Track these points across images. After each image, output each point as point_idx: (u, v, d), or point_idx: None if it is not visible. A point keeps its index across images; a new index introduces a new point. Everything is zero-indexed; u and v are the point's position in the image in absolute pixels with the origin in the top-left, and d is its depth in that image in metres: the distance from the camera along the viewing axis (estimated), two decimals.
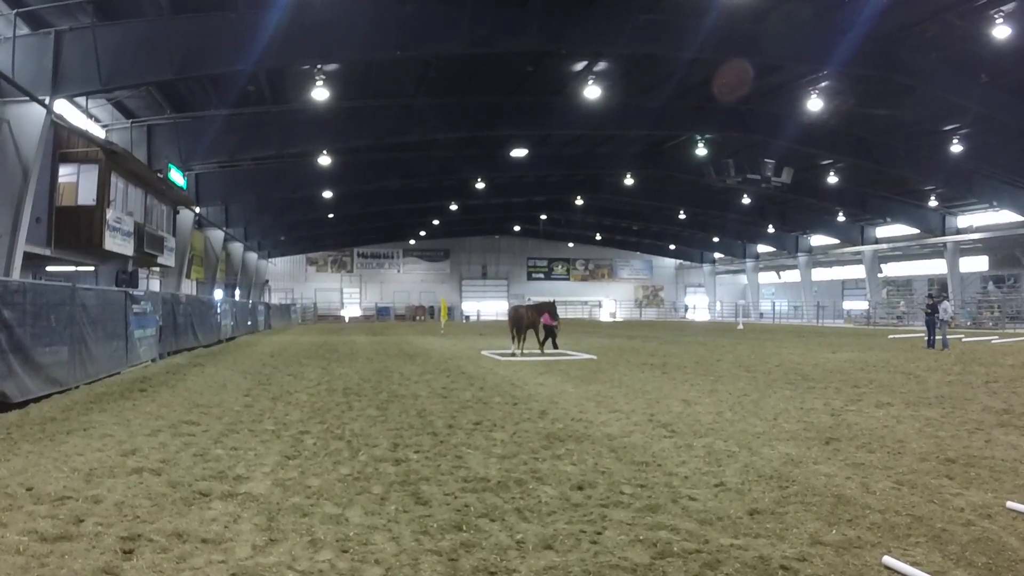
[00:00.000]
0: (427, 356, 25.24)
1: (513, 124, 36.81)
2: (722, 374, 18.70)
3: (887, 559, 5.13)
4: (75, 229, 25.59)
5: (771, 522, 6.05)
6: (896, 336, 39.49)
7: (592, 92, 30.14)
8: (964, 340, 33.31)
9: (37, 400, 12.53)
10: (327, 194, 49.43)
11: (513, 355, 24.91)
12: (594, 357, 24.38)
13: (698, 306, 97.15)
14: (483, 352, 27.00)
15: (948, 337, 28.85)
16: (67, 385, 14.17)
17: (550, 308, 27.04)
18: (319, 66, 25.91)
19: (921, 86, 30.27)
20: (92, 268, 30.53)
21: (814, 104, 32.87)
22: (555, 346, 27.19)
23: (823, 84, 32.59)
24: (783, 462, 8.30)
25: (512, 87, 32.83)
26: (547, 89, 33.30)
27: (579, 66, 30.78)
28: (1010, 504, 6.44)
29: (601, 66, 30.66)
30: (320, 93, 26.69)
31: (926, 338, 29.56)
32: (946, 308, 29.28)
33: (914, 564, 5.01)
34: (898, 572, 4.95)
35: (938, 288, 53.13)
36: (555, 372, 19.33)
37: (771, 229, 72.00)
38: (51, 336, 13.93)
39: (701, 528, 5.89)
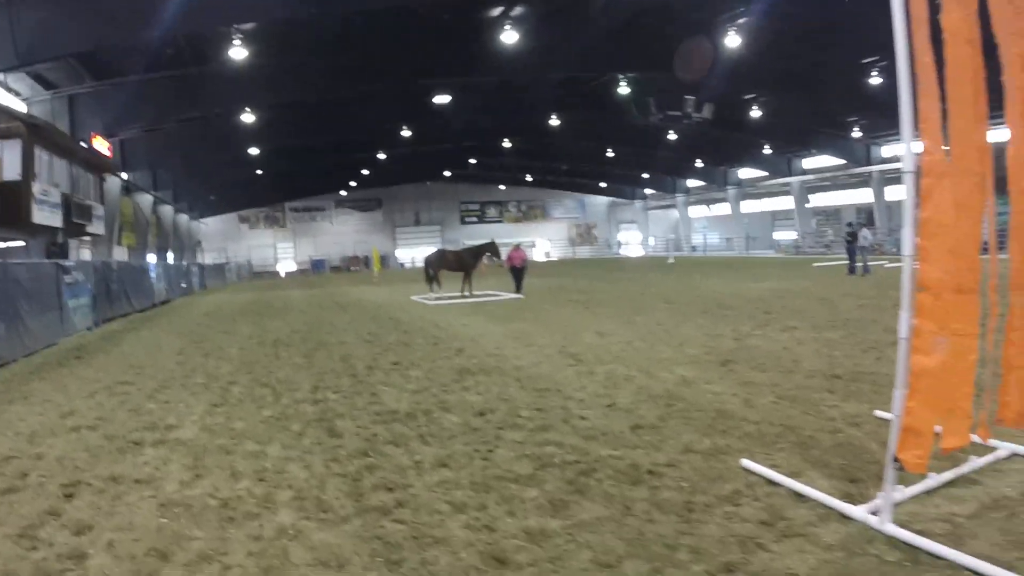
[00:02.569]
0: (358, 305, 25.67)
1: (435, 73, 36.95)
2: (642, 307, 19.42)
3: (744, 462, 5.84)
4: (2, 205, 25.37)
5: (650, 435, 6.75)
6: (821, 264, 40.42)
7: (509, 37, 30.46)
8: (887, 266, 34.41)
9: None
10: (254, 151, 49.02)
11: (439, 299, 25.48)
12: (522, 296, 25.08)
13: (631, 242, 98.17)
14: (412, 298, 27.52)
15: (870, 264, 29.90)
16: (5, 359, 14.30)
17: (492, 248, 27.47)
18: (235, 26, 25.87)
19: (838, 22, 30.85)
20: (23, 243, 30.21)
21: (732, 40, 33.39)
22: (518, 288, 26.95)
23: (741, 21, 33.09)
24: (676, 383, 9.03)
25: (432, 36, 32.94)
26: (467, 36, 33.45)
27: (496, 12, 31.00)
28: (877, 412, 7.06)
29: (517, 11, 30.91)
30: (238, 52, 26.75)
31: (848, 265, 30.70)
32: (865, 235, 30.30)
33: (772, 466, 5.68)
34: (755, 473, 5.64)
35: (864, 216, 54.40)
36: (480, 313, 19.95)
37: (700, 164, 72.80)
38: None
39: (585, 443, 6.58)
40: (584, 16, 31.72)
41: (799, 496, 5.07)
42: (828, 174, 63.26)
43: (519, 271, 27.10)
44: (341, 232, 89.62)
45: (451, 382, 9.82)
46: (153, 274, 33.89)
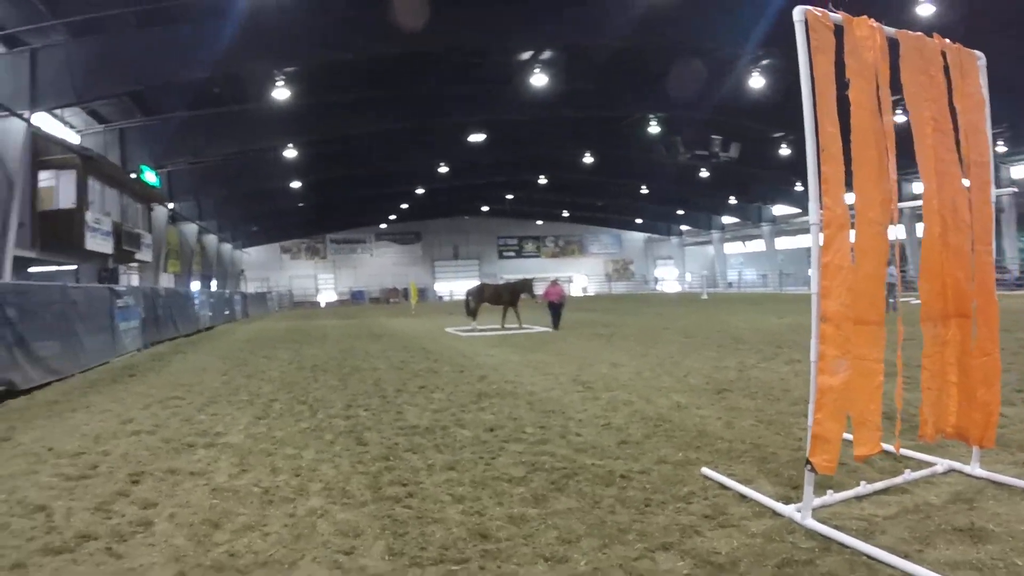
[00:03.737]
0: (393, 335, 26.89)
1: (465, 112, 38.57)
2: (660, 340, 20.41)
3: (705, 470, 6.82)
4: (57, 231, 26.98)
5: (632, 449, 7.75)
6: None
7: (539, 80, 31.75)
8: (913, 303, 34.71)
9: (39, 387, 13.99)
10: (295, 184, 50.88)
11: (472, 331, 26.53)
12: (550, 330, 26.09)
13: (668, 278, 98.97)
14: (447, 329, 28.73)
15: (900, 300, 30.26)
16: (63, 374, 15.59)
17: (525, 287, 28.32)
18: (277, 70, 27.47)
19: None
20: (74, 267, 31.83)
21: (756, 82, 34.45)
22: (556, 325, 26.91)
23: (764, 62, 34.14)
24: (670, 408, 10.03)
25: (462, 78, 34.32)
26: (496, 78, 34.79)
27: (525, 56, 32.33)
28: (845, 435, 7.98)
29: (546, 55, 32.19)
30: (281, 93, 28.38)
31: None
32: (891, 272, 30.81)
33: (729, 475, 6.63)
34: (712, 479, 6.60)
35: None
36: (507, 345, 21.04)
37: (733, 200, 73.71)
38: (47, 331, 15.35)
39: (575, 454, 7.60)
40: (608, 59, 32.88)
41: (743, 497, 6.03)
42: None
43: (557, 307, 27.21)
44: (380, 264, 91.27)
45: (469, 403, 10.90)
46: (197, 301, 35.33)
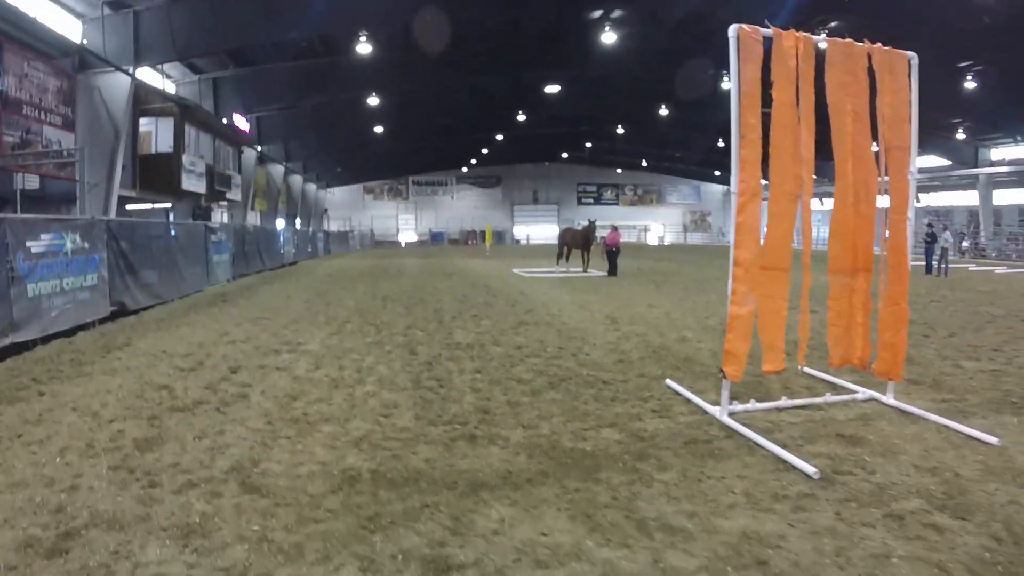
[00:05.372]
0: (463, 274, 29.04)
1: (543, 66, 39.99)
2: (705, 290, 21.81)
3: (668, 381, 8.73)
4: (156, 174, 29.50)
5: (625, 367, 9.69)
6: (914, 263, 41.16)
7: (608, 37, 33.16)
8: (971, 269, 35.28)
9: (146, 309, 16.38)
10: (379, 128, 52.72)
11: (554, 270, 28.72)
12: (612, 276, 27.53)
13: None
14: (514, 270, 30.73)
15: (951, 266, 30.79)
16: (165, 299, 18.04)
17: (591, 230, 30.01)
18: (367, 31, 29.51)
19: (922, 29, 32.24)
20: (168, 205, 34.34)
21: (820, 41, 35.13)
22: (613, 271, 27.82)
23: (832, 24, 34.72)
24: (675, 340, 11.90)
25: (539, 35, 35.79)
26: (571, 35, 36.11)
27: (596, 14, 33.76)
28: (801, 367, 9.06)
29: (616, 13, 33.50)
30: (363, 48, 30.46)
31: (924, 265, 31.83)
32: (947, 238, 31.23)
33: (688, 387, 8.43)
34: (672, 388, 8.48)
35: (959, 218, 54.51)
36: (565, 286, 22.94)
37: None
38: (152, 261, 17.67)
39: (578, 367, 9.60)
40: (671, 20, 33.91)
41: (688, 401, 7.93)
42: (939, 174, 63.10)
43: (613, 253, 28.22)
44: (461, 207, 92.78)
45: (509, 329, 13.01)
46: (282, 238, 37.80)
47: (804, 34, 7.25)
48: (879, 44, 7.77)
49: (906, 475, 5.65)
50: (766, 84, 7.08)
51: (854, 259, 7.81)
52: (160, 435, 6.54)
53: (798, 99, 7.17)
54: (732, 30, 6.96)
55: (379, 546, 4.34)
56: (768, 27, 7.13)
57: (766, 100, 7.07)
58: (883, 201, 7.94)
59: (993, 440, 6.45)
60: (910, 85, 7.96)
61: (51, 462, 5.81)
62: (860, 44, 7.69)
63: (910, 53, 7.96)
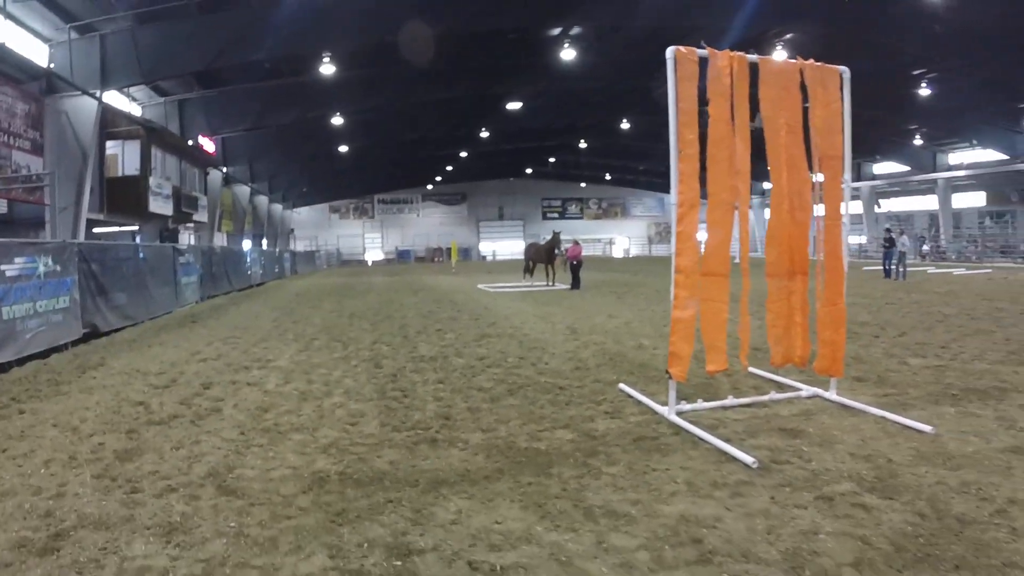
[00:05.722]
0: (429, 290, 29.49)
1: (505, 83, 40.72)
2: (665, 299, 22.13)
3: (621, 385, 9.19)
4: (124, 196, 29.77)
5: (581, 373, 10.14)
6: (872, 268, 41.95)
7: (568, 54, 33.82)
8: (930, 271, 36.11)
9: (117, 330, 16.66)
10: (343, 148, 53.14)
11: (519, 285, 29.11)
12: (574, 288, 27.96)
13: None
14: (479, 286, 31.17)
15: (909, 269, 31.62)
16: (136, 320, 18.30)
17: (555, 243, 30.04)
18: (329, 52, 30.02)
19: (877, 39, 33.04)
20: (135, 228, 34.48)
21: (779, 55, 35.95)
22: (576, 284, 28.09)
23: (787, 36, 35.48)
24: (631, 348, 12.37)
25: (500, 52, 36.39)
26: (531, 51, 36.72)
27: (555, 31, 34.39)
28: (751, 368, 9.75)
29: (576, 30, 34.15)
30: (327, 68, 31.04)
31: (883, 269, 32.35)
32: (904, 242, 32.03)
33: (641, 390, 8.88)
34: (625, 392, 8.93)
35: (916, 224, 55.66)
36: (528, 299, 23.42)
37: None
38: (122, 283, 17.91)
39: (536, 375, 10.04)
40: (633, 32, 34.53)
41: (638, 402, 8.39)
42: (899, 179, 64.13)
43: (576, 267, 28.52)
44: (427, 224, 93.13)
45: (472, 341, 13.47)
46: (249, 259, 37.94)
47: (738, 53, 7.69)
48: (811, 60, 8.20)
49: (841, 462, 6.06)
50: (704, 101, 7.57)
51: (791, 263, 8.27)
52: (139, 446, 6.90)
53: (733, 115, 7.61)
54: (669, 52, 7.41)
55: (346, 537, 4.74)
56: (704, 48, 7.57)
57: (704, 117, 7.56)
58: (821, 209, 8.37)
59: (928, 428, 6.87)
60: (842, 97, 8.39)
61: (36, 473, 6.17)
62: (793, 61, 8.15)
63: (842, 68, 8.40)
